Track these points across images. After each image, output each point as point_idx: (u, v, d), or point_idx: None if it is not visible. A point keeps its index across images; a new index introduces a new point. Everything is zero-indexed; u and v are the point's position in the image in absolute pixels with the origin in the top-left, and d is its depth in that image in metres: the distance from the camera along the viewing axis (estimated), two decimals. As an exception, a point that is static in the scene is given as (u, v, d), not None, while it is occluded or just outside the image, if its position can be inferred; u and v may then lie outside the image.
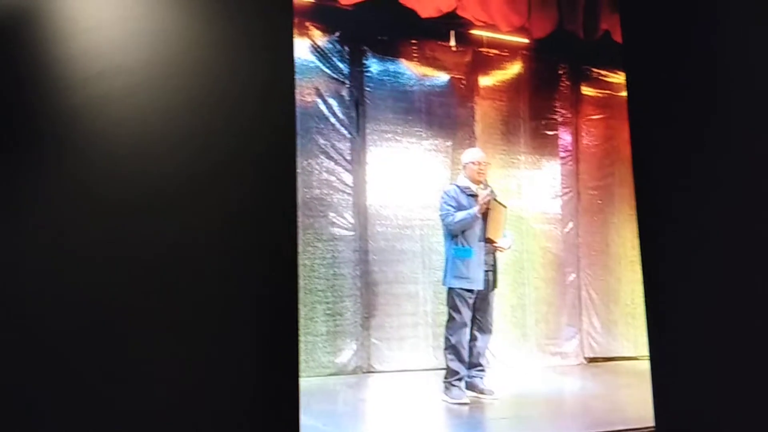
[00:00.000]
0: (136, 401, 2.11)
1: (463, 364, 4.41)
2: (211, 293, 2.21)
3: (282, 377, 2.28)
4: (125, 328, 2.10)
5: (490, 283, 4.49)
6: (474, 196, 4.47)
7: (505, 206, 4.57)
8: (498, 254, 4.57)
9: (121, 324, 2.10)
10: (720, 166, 2.42)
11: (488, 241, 4.42)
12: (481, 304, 4.46)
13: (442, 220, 4.48)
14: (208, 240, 2.18)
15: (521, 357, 5.89)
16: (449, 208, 4.44)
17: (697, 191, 2.48)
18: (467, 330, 4.44)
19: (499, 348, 5.68)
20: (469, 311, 4.41)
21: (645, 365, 5.43)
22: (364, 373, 5.36)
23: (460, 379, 4.40)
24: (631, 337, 6.30)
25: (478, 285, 4.38)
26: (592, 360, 6.19)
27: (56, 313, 1.99)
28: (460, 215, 4.38)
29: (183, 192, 2.17)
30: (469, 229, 4.40)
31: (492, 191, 4.50)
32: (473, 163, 4.56)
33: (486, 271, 4.44)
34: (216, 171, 2.20)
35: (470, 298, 4.39)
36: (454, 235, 4.43)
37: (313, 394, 4.51)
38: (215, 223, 2.20)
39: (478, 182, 4.52)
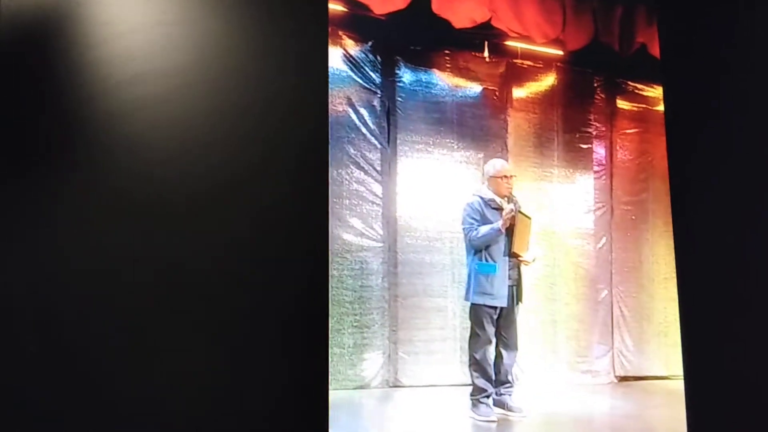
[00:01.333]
0: (160, 412, 2.08)
1: (489, 381, 4.33)
2: (241, 302, 2.19)
3: (311, 390, 2.24)
4: (156, 334, 2.08)
5: (514, 299, 4.40)
6: (499, 209, 4.37)
7: (529, 217, 4.49)
8: (524, 268, 4.47)
9: (153, 329, 2.08)
10: (757, 179, 2.35)
11: (513, 255, 4.33)
12: (504, 320, 4.38)
13: (465, 233, 4.38)
14: (238, 247, 2.16)
15: (551, 374, 5.78)
16: (472, 221, 4.34)
17: (735, 205, 2.41)
18: (492, 347, 4.36)
19: (529, 365, 5.58)
20: (493, 327, 4.33)
21: (677, 385, 5.34)
22: (390, 387, 5.29)
23: (487, 396, 4.32)
24: (663, 356, 6.16)
25: (502, 302, 4.29)
26: (624, 379, 6.06)
27: (88, 317, 1.98)
28: (484, 230, 4.28)
29: (215, 198, 2.15)
30: (493, 243, 4.31)
31: (516, 203, 4.41)
32: (500, 176, 4.45)
33: (510, 286, 4.34)
34: (248, 178, 2.17)
35: (494, 314, 4.31)
36: (478, 249, 4.34)
37: (338, 408, 4.45)
38: (246, 229, 2.18)
39: (503, 195, 4.42)
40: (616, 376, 6.04)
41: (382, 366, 5.28)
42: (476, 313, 4.33)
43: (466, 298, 4.42)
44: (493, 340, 4.35)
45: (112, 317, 2.04)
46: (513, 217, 4.30)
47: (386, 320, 5.34)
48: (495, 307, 4.30)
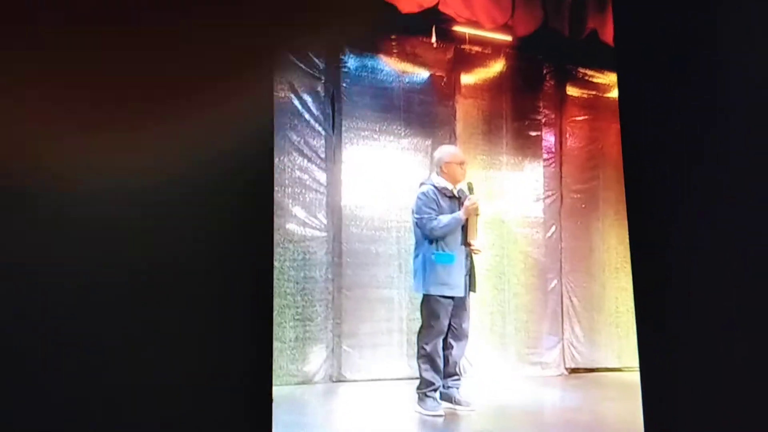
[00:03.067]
0: (97, 410, 1.96)
1: (438, 373, 4.19)
2: (178, 293, 2.06)
3: (253, 387, 2.14)
4: (89, 326, 1.96)
5: (467, 288, 4.27)
6: (453, 197, 4.24)
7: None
8: (474, 256, 4.36)
9: (85, 320, 1.95)
10: (714, 169, 2.31)
11: (467, 244, 4.22)
12: (457, 310, 4.24)
13: (423, 223, 4.20)
14: (176, 235, 2.04)
15: (500, 366, 5.66)
16: (430, 211, 4.19)
17: (691, 194, 2.36)
18: (442, 338, 4.23)
19: (477, 357, 5.46)
20: (448, 318, 4.19)
21: (629, 377, 5.26)
22: (334, 382, 5.11)
23: (435, 390, 4.18)
24: (615, 347, 6.10)
25: (459, 291, 4.18)
26: (574, 371, 5.96)
27: (33, 320, 1.86)
28: (445, 219, 4.14)
29: (153, 186, 2.02)
30: (450, 233, 4.18)
31: (473, 190, 4.30)
32: (456, 162, 4.31)
33: (464, 275, 4.23)
34: (186, 163, 2.05)
35: (449, 304, 4.18)
36: (434, 239, 4.19)
37: (280, 404, 4.25)
38: (186, 217, 2.06)
39: (456, 182, 4.30)
40: (566, 368, 5.94)
41: (326, 360, 5.10)
42: (431, 304, 4.18)
43: (418, 289, 4.27)
44: (445, 332, 4.22)
45: (53, 321, 1.89)
46: (477, 208, 4.21)
47: (330, 313, 5.15)
48: (451, 297, 4.17)
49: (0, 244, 1.88)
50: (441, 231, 4.14)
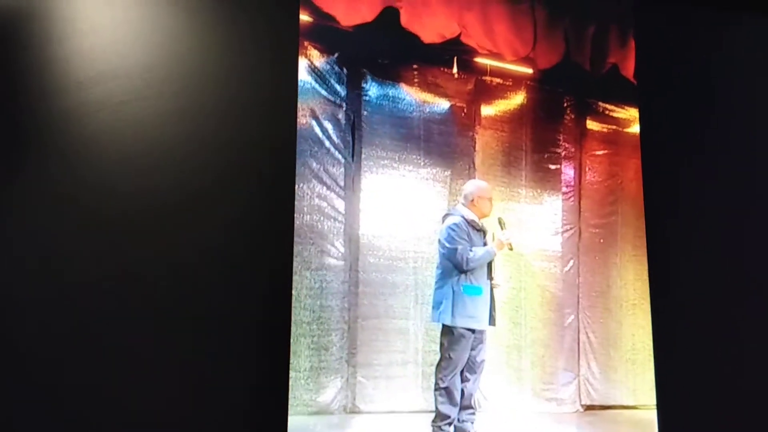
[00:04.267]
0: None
1: (455, 407, 4.21)
2: (199, 317, 2.05)
3: (270, 417, 2.14)
4: (101, 355, 1.94)
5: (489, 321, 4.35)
6: (481, 231, 4.39)
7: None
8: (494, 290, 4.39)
9: (97, 349, 1.93)
10: (733, 203, 2.30)
11: (491, 278, 4.28)
12: (476, 343, 4.26)
13: (459, 254, 4.25)
14: (199, 259, 2.03)
15: (515, 401, 5.59)
16: (463, 242, 4.25)
17: (711, 229, 2.35)
18: (460, 371, 4.29)
19: (492, 391, 5.40)
20: (467, 352, 4.19)
21: (644, 415, 5.19)
22: (348, 413, 5.06)
23: (449, 424, 4.15)
24: (631, 384, 6.01)
25: (484, 325, 4.28)
26: (589, 408, 5.88)
27: (39, 326, 1.86)
28: (480, 252, 4.29)
29: (173, 207, 2.02)
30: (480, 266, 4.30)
31: (503, 224, 4.51)
32: (487, 197, 4.49)
33: (488, 309, 4.35)
34: (212, 187, 2.05)
35: (471, 337, 4.19)
36: (464, 271, 4.22)
37: (292, 434, 4.21)
38: (209, 240, 2.05)
39: (483, 216, 4.45)
40: (581, 405, 5.86)
41: (340, 390, 5.05)
42: (454, 336, 4.21)
43: (441, 320, 4.29)
44: (464, 365, 4.30)
45: (56, 321, 1.91)
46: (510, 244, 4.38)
47: (345, 342, 5.12)
48: (473, 331, 4.25)
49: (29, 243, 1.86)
50: (476, 263, 4.24)
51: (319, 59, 5.27)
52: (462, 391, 4.29)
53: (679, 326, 2.42)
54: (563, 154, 6.10)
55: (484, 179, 5.38)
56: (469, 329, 4.24)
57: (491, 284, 4.37)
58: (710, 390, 2.29)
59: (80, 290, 1.94)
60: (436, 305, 4.33)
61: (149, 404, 2.03)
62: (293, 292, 4.92)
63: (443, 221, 4.59)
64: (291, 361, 4.88)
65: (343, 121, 5.33)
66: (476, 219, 4.43)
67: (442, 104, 5.71)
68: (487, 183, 4.75)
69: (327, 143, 5.25)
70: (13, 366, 1.87)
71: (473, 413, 4.30)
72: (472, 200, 4.42)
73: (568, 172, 6.11)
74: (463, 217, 4.42)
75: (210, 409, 2.08)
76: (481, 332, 4.32)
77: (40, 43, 1.94)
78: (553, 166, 6.06)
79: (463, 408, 4.27)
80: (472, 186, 4.60)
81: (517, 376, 5.68)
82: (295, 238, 5.02)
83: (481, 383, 4.96)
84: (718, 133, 2.45)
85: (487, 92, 5.87)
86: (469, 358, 4.24)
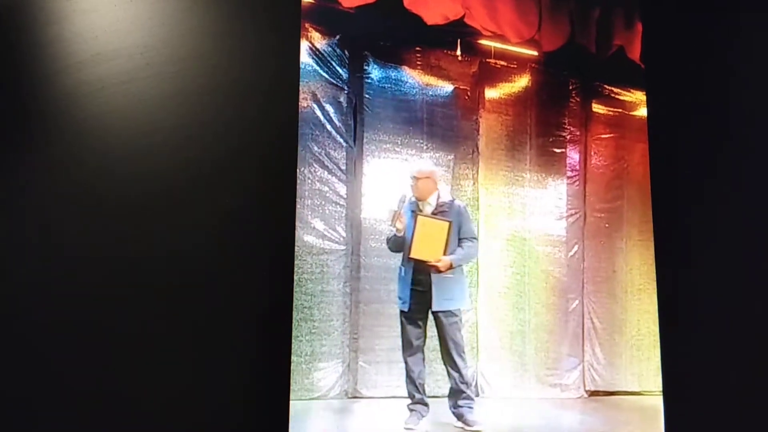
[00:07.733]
0: (121, 417, 1.94)
1: (414, 386, 4.32)
2: (199, 301, 2.04)
3: (271, 401, 2.13)
4: (109, 341, 1.92)
5: (425, 305, 4.35)
6: (415, 212, 4.41)
7: (445, 221, 4.41)
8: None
9: (106, 332, 1.92)
10: (741, 187, 2.26)
11: (415, 260, 4.30)
12: (439, 329, 4.35)
13: None
14: (199, 242, 2.01)
15: (518, 387, 5.56)
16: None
17: (717, 214, 2.31)
18: (418, 353, 4.37)
19: (495, 377, 5.37)
20: (415, 332, 4.34)
21: (649, 401, 5.15)
22: (349, 398, 5.04)
23: (416, 403, 4.30)
24: (635, 370, 5.97)
25: (405, 306, 4.33)
26: (594, 393, 5.84)
27: (39, 313, 1.84)
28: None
29: (173, 189, 1.99)
30: (403, 248, 4.39)
31: (430, 205, 4.44)
32: (411, 177, 4.51)
33: (421, 291, 4.32)
34: (212, 169, 2.03)
35: (409, 318, 4.34)
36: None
37: (294, 420, 4.19)
38: (209, 223, 2.03)
39: (420, 199, 4.45)
40: (586, 391, 5.82)
41: (341, 376, 5.03)
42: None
43: None
44: (416, 345, 4.36)
45: (61, 312, 1.88)
46: (395, 217, 4.37)
47: (347, 327, 5.09)
48: (409, 311, 4.33)
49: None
50: (389, 243, 4.56)
51: (320, 41, 5.21)
52: (448, 376, 4.33)
53: (686, 312, 2.36)
54: (568, 137, 6.03)
55: (488, 163, 5.33)
56: (400, 310, 4.37)
57: (426, 267, 4.30)
58: (717, 376, 2.25)
59: (79, 270, 1.90)
60: None
61: (148, 389, 1.99)
62: (294, 276, 4.90)
63: None
64: (293, 346, 4.87)
65: (344, 105, 5.27)
66: (414, 200, 4.50)
67: (446, 87, 5.64)
68: (422, 162, 4.87)
69: (328, 126, 5.20)
70: (5, 352, 1.83)
71: (468, 399, 4.22)
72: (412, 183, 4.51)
73: (573, 156, 6.05)
74: (410, 198, 4.51)
75: (211, 394, 2.05)
76: (444, 317, 4.29)
77: (39, 23, 1.89)
78: (558, 150, 5.99)
79: (455, 393, 4.28)
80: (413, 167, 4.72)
81: (520, 361, 5.64)
82: (297, 223, 5.00)
83: (483, 369, 4.95)
84: (728, 116, 2.37)
85: (491, 75, 5.80)
86: (442, 343, 4.26)
